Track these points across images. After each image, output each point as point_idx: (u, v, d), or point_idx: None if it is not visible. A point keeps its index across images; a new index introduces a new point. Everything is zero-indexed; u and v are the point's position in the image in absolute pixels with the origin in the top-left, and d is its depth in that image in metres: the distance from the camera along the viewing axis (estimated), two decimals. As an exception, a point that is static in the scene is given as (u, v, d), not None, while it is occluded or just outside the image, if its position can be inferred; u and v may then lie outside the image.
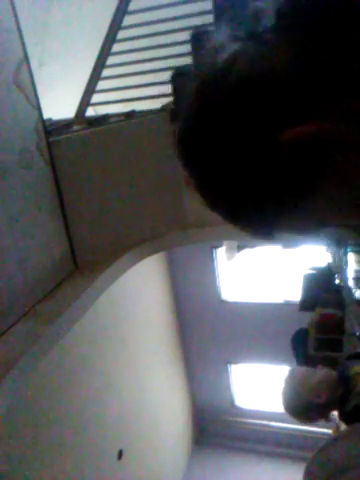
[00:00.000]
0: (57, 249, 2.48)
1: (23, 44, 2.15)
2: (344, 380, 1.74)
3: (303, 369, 1.80)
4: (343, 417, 1.70)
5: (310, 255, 5.21)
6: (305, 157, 0.36)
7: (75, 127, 2.79)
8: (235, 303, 6.10)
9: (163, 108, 2.94)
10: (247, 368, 6.55)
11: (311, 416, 1.73)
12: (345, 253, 4.02)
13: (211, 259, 5.89)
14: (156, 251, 3.31)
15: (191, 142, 0.43)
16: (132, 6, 2.82)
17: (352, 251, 3.96)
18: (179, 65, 2.31)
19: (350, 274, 4.07)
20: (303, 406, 1.71)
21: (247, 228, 0.47)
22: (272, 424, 6.48)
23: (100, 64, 2.95)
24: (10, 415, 2.79)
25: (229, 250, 4.89)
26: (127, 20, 2.84)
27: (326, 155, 0.36)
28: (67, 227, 2.54)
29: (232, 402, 6.79)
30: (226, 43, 0.40)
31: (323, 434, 5.45)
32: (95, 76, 2.95)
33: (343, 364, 1.93)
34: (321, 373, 1.73)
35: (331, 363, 2.41)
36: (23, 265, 2.17)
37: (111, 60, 2.92)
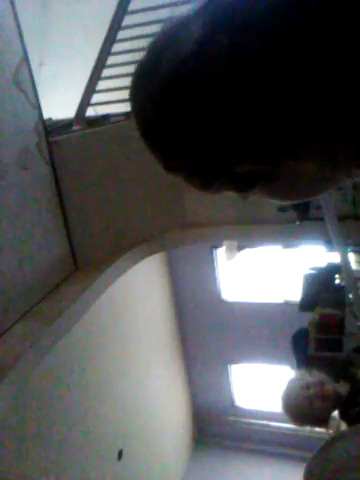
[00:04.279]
0: (57, 249, 2.47)
1: (23, 44, 2.15)
2: (349, 380, 1.71)
3: (296, 382, 1.78)
4: (347, 418, 1.68)
5: (310, 255, 5.21)
6: (254, 179, 0.45)
7: (75, 127, 2.79)
8: (235, 303, 6.09)
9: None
10: (247, 368, 6.55)
11: (308, 423, 1.73)
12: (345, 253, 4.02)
13: (211, 259, 5.89)
14: (156, 251, 3.31)
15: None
16: (132, 6, 2.82)
17: (352, 251, 3.95)
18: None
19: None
20: (298, 416, 1.71)
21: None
22: (272, 424, 6.47)
23: (100, 64, 2.94)
24: (10, 415, 2.78)
25: (229, 250, 4.88)
26: (127, 20, 2.84)
27: (268, 181, 0.45)
28: (67, 227, 2.54)
29: (232, 402, 6.79)
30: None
31: (323, 434, 5.45)
32: (95, 76, 2.94)
33: (348, 357, 1.91)
34: (313, 384, 1.70)
35: (330, 363, 2.40)
36: (23, 265, 2.17)
37: (111, 60, 2.92)
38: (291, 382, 1.78)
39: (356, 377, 1.72)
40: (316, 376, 1.74)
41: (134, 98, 0.46)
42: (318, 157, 0.42)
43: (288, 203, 0.53)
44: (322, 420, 1.69)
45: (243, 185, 0.47)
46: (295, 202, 0.54)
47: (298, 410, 1.70)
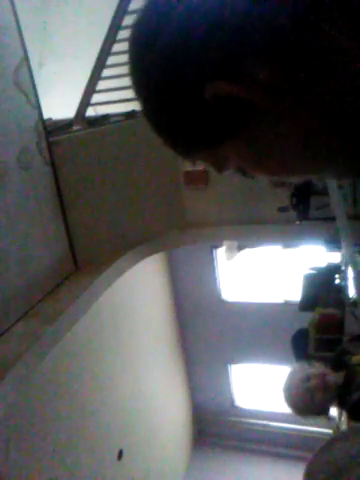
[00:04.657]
0: (57, 249, 2.47)
1: (23, 44, 2.15)
2: (344, 368, 1.74)
3: (297, 374, 1.80)
4: (346, 408, 1.70)
5: (310, 255, 5.21)
6: (225, 111, 0.42)
7: (75, 127, 2.79)
8: (235, 303, 6.09)
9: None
10: (247, 368, 6.55)
11: (310, 414, 1.75)
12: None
13: (211, 259, 5.89)
14: (156, 251, 3.31)
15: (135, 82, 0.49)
16: (132, 6, 2.82)
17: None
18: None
19: (350, 274, 4.05)
20: (300, 407, 1.73)
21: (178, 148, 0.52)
22: (272, 424, 6.48)
23: (100, 64, 2.95)
24: (10, 415, 2.79)
25: (229, 250, 4.88)
26: (127, 20, 2.84)
27: (243, 115, 0.42)
28: (67, 227, 2.54)
29: (232, 402, 6.79)
30: None
31: (323, 434, 5.46)
32: (95, 76, 2.95)
33: (342, 347, 1.93)
34: (314, 375, 1.73)
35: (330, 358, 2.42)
36: (23, 265, 2.17)
37: (111, 60, 2.92)
38: (292, 374, 1.81)
39: (350, 363, 1.75)
40: (317, 368, 1.77)
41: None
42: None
43: (264, 175, 0.51)
44: (323, 410, 1.72)
45: (212, 134, 0.46)
46: (274, 177, 0.52)
47: (300, 402, 1.72)
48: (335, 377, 1.73)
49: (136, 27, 0.47)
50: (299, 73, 0.39)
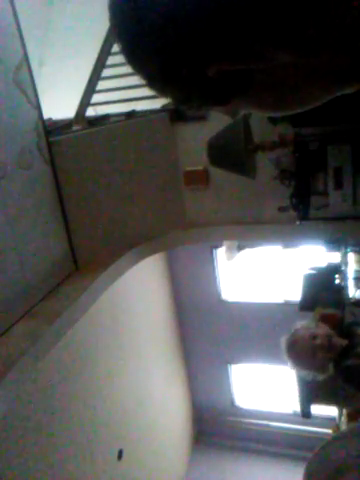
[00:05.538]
0: (57, 249, 2.47)
1: (23, 44, 2.15)
2: (350, 335, 1.82)
3: (303, 330, 1.88)
4: (338, 370, 1.78)
5: (310, 255, 5.21)
6: (229, 80, 0.45)
7: (75, 127, 2.79)
8: (235, 303, 6.10)
9: (163, 108, 2.95)
10: (247, 368, 6.55)
11: (307, 370, 1.83)
12: (345, 253, 4.02)
13: (211, 259, 5.89)
14: (156, 251, 3.31)
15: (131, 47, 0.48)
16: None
17: (352, 251, 3.96)
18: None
19: (350, 274, 4.06)
20: (299, 361, 1.82)
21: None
22: (272, 424, 6.48)
23: (100, 64, 2.95)
24: (10, 415, 2.79)
25: (229, 250, 4.89)
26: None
27: (247, 80, 0.45)
28: (67, 227, 2.54)
29: (232, 402, 6.79)
30: None
31: (323, 434, 5.46)
32: (95, 76, 2.95)
33: (356, 319, 2.01)
34: (321, 335, 1.80)
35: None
36: (23, 265, 2.17)
37: (111, 60, 2.92)
38: (300, 330, 1.88)
39: (357, 332, 1.83)
40: (323, 328, 1.84)
41: None
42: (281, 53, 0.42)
43: (280, 114, 0.52)
44: (321, 369, 1.79)
45: (221, 96, 0.47)
46: (290, 113, 0.52)
47: (302, 356, 1.80)
48: (340, 340, 1.81)
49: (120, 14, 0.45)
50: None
